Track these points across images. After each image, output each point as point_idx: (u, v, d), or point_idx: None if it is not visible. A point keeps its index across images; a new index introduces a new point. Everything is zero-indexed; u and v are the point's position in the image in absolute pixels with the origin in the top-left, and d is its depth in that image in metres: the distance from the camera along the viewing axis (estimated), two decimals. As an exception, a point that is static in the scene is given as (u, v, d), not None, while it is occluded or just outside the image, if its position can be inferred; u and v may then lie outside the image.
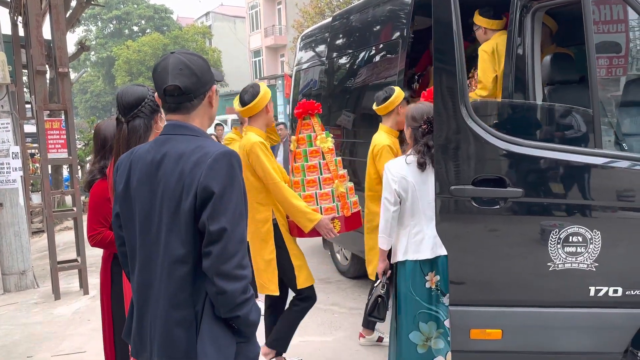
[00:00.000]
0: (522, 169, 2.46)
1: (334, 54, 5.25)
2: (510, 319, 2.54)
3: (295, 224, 3.13)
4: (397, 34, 4.17)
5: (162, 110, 1.91)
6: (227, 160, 1.58)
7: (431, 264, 2.74)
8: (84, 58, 39.56)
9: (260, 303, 3.90)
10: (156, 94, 1.71)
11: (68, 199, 10.87)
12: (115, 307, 2.53)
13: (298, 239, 3.27)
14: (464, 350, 2.60)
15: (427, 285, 2.75)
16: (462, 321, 2.56)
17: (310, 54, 5.92)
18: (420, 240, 2.75)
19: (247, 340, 1.68)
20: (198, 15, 49.52)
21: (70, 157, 5.72)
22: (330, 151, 3.25)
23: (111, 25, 44.36)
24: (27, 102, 9.07)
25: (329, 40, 5.38)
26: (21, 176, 5.78)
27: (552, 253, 2.42)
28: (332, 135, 3.39)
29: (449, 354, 2.73)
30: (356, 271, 5.41)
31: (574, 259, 2.41)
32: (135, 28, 44.15)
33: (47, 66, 6.20)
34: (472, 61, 3.75)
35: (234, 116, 20.03)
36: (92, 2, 11.28)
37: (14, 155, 5.59)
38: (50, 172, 7.11)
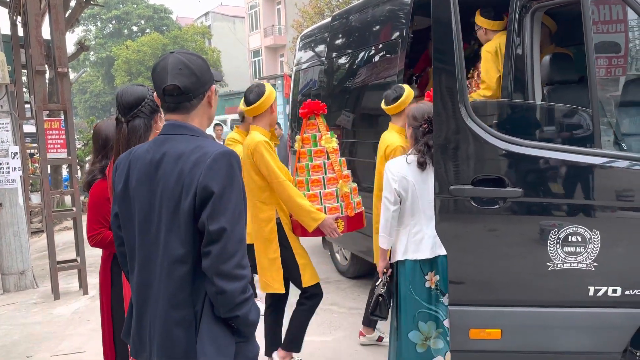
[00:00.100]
0: (521, 169, 2.46)
1: (334, 54, 5.25)
2: (510, 319, 2.54)
3: (298, 223, 3.14)
4: (397, 34, 4.17)
5: (161, 110, 1.91)
6: (226, 160, 1.58)
7: (431, 263, 2.75)
8: (83, 58, 39.57)
9: (260, 303, 3.90)
10: (155, 93, 1.71)
11: (67, 199, 10.87)
12: (115, 307, 2.52)
13: (297, 239, 3.27)
14: (463, 350, 2.60)
15: (427, 284, 2.75)
16: (462, 321, 2.56)
17: (310, 54, 5.92)
18: (420, 240, 2.75)
19: (247, 340, 1.68)
20: (197, 15, 49.47)
21: (70, 157, 5.72)
22: (334, 151, 3.26)
23: (110, 25, 44.33)
24: (27, 102, 9.06)
25: (328, 40, 5.38)
26: (20, 176, 5.78)
27: (551, 253, 2.42)
28: (335, 135, 3.40)
29: (448, 354, 2.73)
30: (355, 271, 5.42)
31: (573, 259, 2.42)
32: (135, 28, 44.13)
33: (46, 66, 6.19)
34: (470, 63, 3.75)
35: (234, 116, 20.04)
36: (92, 2, 11.27)
37: (13, 155, 5.58)
38: (49, 172, 7.11)
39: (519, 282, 2.51)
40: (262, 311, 3.35)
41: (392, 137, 3.47)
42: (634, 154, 2.47)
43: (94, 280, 5.36)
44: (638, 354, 2.59)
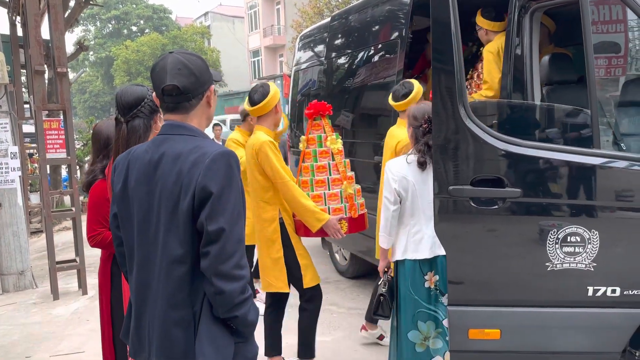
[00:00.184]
0: (520, 169, 2.46)
1: (333, 54, 5.25)
2: (509, 319, 2.54)
3: (302, 224, 3.14)
4: (396, 34, 4.17)
5: (160, 110, 1.91)
6: (225, 160, 1.58)
7: (430, 263, 2.75)
8: (82, 58, 39.53)
9: (259, 303, 3.91)
10: (154, 93, 1.71)
11: (67, 199, 10.87)
12: (115, 307, 2.52)
13: (297, 239, 3.27)
14: (462, 350, 2.60)
15: (426, 284, 2.75)
16: (461, 321, 2.56)
17: (309, 54, 5.92)
18: (419, 240, 2.76)
19: (246, 340, 1.68)
20: (197, 15, 49.48)
21: (69, 157, 5.72)
22: (339, 152, 3.26)
23: (110, 25, 44.30)
24: (26, 102, 9.05)
25: (327, 40, 5.39)
26: (20, 176, 5.78)
27: (550, 253, 2.42)
28: (340, 136, 3.39)
29: (447, 354, 2.73)
30: (355, 271, 5.42)
31: (572, 259, 2.42)
32: (134, 28, 44.11)
33: (45, 66, 6.20)
34: (469, 64, 3.75)
35: (233, 116, 20.04)
36: (91, 2, 11.26)
37: (12, 155, 5.58)
38: (48, 172, 7.11)
39: (518, 282, 2.51)
40: (262, 311, 3.35)
41: (403, 132, 3.29)
42: (633, 154, 2.47)
43: (93, 281, 5.36)
44: (637, 354, 2.59)
